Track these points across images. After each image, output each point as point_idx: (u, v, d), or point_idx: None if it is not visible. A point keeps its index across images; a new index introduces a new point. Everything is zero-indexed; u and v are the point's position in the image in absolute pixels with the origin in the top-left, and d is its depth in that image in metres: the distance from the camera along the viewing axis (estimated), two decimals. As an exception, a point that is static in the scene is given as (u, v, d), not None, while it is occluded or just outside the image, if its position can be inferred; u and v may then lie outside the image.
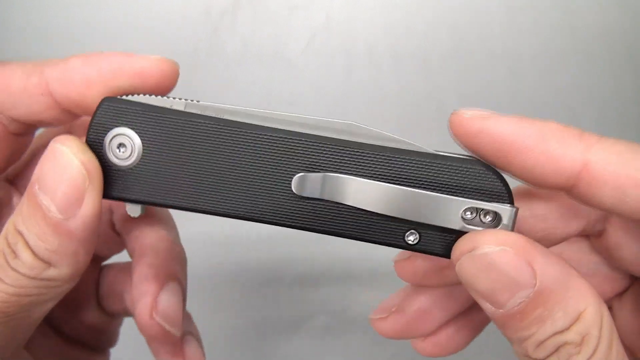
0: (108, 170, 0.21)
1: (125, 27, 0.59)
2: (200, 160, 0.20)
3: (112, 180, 0.21)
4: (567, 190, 0.20)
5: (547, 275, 0.18)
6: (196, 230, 0.55)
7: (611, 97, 0.60)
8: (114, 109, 0.21)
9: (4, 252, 0.20)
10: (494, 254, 0.19)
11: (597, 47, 0.59)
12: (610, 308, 0.25)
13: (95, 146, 0.21)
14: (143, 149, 0.21)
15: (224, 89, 0.60)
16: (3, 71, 0.23)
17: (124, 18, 0.59)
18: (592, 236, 0.25)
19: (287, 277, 0.59)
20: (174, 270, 0.26)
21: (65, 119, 0.23)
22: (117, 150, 0.21)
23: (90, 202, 0.20)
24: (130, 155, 0.21)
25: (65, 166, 0.19)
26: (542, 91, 0.59)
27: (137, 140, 0.21)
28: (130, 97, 0.21)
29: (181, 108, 0.21)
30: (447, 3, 0.60)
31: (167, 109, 0.21)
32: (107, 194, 0.21)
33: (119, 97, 0.21)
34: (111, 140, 0.21)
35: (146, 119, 0.20)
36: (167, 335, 0.25)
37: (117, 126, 0.21)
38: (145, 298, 0.24)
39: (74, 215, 0.19)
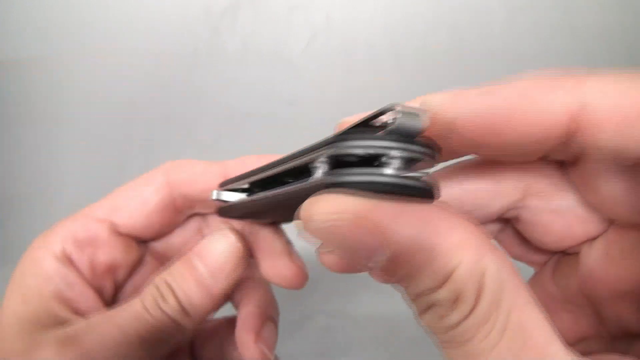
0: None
1: (125, 27, 0.59)
2: (247, 210, 0.28)
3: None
4: (564, 143, 0.18)
5: (401, 236, 0.16)
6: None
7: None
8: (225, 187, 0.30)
9: (154, 295, 0.26)
10: (331, 222, 0.16)
11: (597, 47, 0.59)
12: (576, 254, 0.23)
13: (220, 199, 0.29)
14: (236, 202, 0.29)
15: (224, 89, 0.61)
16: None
17: (124, 18, 0.59)
18: (569, 164, 0.22)
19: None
20: (271, 313, 0.32)
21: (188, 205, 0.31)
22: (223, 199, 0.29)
23: (233, 275, 0.27)
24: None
25: (227, 245, 0.27)
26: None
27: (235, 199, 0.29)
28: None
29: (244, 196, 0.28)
30: (447, 3, 0.60)
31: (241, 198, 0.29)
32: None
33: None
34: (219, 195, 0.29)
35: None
36: (264, 358, 0.31)
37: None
38: (252, 330, 0.31)
39: (220, 282, 0.26)
